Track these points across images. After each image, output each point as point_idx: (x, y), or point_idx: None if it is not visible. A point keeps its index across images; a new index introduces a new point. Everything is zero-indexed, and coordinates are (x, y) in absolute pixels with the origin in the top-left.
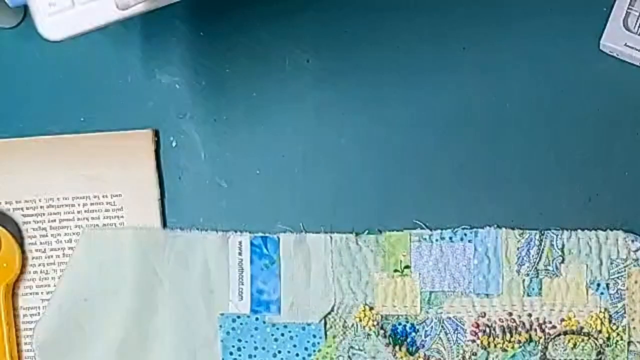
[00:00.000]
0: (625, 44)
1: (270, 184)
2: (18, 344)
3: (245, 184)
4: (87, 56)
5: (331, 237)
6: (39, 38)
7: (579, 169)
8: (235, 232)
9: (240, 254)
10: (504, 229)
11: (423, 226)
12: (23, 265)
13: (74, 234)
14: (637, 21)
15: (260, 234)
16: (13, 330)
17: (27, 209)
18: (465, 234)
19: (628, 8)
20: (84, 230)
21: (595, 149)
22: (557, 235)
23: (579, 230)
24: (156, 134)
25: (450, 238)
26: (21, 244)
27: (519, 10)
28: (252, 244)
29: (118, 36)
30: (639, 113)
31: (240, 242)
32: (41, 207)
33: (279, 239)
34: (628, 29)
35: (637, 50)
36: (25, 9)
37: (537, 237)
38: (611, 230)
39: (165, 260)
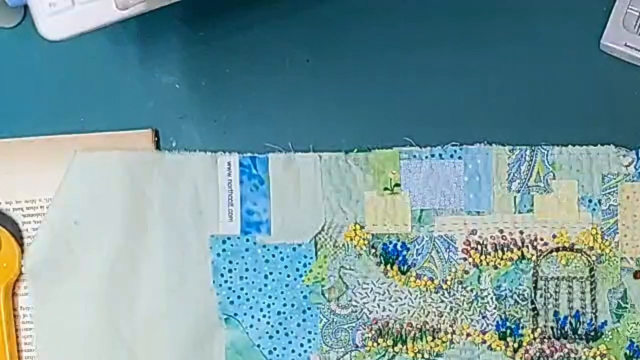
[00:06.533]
0: (625, 44)
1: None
2: (18, 344)
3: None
4: (87, 56)
5: (320, 156)
6: (39, 38)
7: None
8: (224, 152)
9: (229, 174)
10: (494, 145)
11: (412, 143)
12: (23, 265)
13: None
14: (637, 21)
15: (249, 154)
16: (13, 330)
17: (27, 209)
18: (455, 151)
19: (628, 8)
20: (76, 153)
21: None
22: (547, 151)
23: (570, 146)
24: (156, 134)
25: (440, 155)
26: (21, 244)
27: (519, 10)
28: (241, 164)
29: (118, 36)
30: (639, 113)
31: (229, 163)
32: (41, 207)
33: (267, 158)
34: (628, 29)
35: (637, 50)
36: (25, 9)
37: (528, 153)
38: (602, 145)
39: (155, 181)
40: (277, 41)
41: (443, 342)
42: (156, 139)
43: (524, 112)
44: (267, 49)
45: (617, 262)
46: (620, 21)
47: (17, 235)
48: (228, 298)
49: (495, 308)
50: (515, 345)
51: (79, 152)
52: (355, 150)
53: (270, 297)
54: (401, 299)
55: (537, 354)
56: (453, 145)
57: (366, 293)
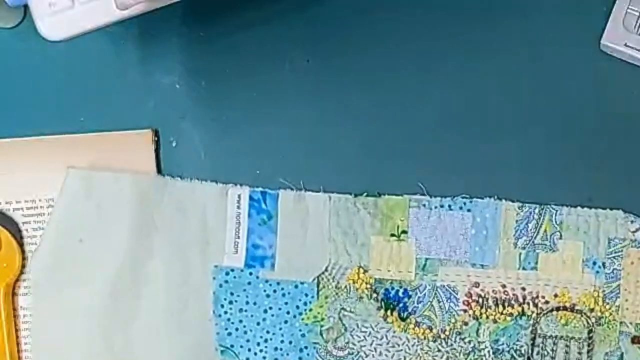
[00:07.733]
0: (625, 44)
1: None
2: (18, 344)
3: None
4: (87, 56)
5: (330, 197)
6: (39, 38)
7: (578, 169)
8: (235, 184)
9: (238, 207)
10: (504, 200)
11: (424, 191)
12: (23, 265)
13: None
14: (637, 21)
15: (260, 189)
16: (13, 330)
17: (27, 209)
18: (465, 203)
19: (628, 8)
20: (81, 172)
21: (596, 149)
22: (556, 211)
23: (579, 207)
24: (156, 134)
25: (450, 206)
26: (21, 244)
27: (519, 10)
28: (251, 197)
29: (118, 36)
30: (639, 113)
31: (239, 196)
32: (41, 207)
33: (278, 194)
34: (628, 29)
35: (637, 50)
36: (25, 9)
37: (537, 211)
38: (611, 209)
39: (163, 207)
40: (276, 41)
41: None
42: (156, 139)
43: (525, 112)
44: (267, 49)
45: (616, 325)
46: (620, 21)
47: (17, 235)
48: (226, 329)
49: None
50: None
51: (71, 169)
52: (365, 194)
53: (268, 332)
54: (398, 345)
55: None
56: (463, 197)
57: (364, 337)
